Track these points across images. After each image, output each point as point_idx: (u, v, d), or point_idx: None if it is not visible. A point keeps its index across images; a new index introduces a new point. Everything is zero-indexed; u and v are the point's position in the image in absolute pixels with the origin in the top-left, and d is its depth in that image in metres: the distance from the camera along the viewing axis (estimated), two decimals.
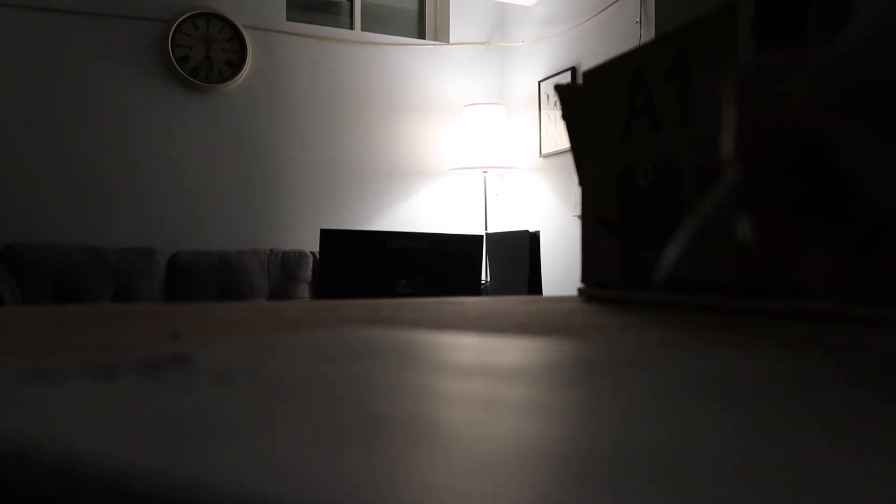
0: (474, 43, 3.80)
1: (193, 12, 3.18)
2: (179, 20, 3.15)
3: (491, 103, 3.56)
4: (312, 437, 0.13)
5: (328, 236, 1.52)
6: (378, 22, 3.69)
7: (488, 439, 0.13)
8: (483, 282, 2.98)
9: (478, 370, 0.20)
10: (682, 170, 0.53)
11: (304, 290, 3.15)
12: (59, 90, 2.99)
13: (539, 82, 3.61)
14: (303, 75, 3.41)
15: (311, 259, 3.18)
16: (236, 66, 3.25)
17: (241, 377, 0.19)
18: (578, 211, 3.15)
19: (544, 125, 3.56)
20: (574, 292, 0.84)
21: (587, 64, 3.24)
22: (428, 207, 3.65)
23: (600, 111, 0.62)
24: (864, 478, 0.11)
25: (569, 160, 3.19)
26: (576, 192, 3.19)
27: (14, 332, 0.37)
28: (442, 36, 3.78)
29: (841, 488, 0.11)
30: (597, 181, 0.63)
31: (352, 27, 3.61)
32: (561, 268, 3.36)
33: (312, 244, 3.28)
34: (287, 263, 3.14)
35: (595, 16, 3.24)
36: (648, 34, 2.89)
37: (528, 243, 1.94)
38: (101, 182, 3.05)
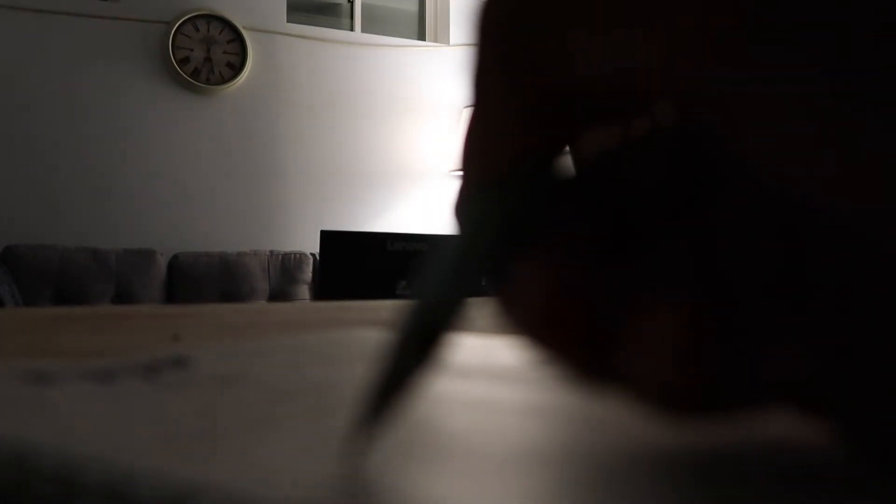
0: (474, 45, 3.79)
1: (194, 14, 3.18)
2: (180, 22, 3.15)
3: None
4: (312, 441, 0.13)
5: (328, 238, 1.52)
6: (378, 23, 3.69)
7: (488, 442, 0.13)
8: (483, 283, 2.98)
9: (478, 371, 0.20)
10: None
11: (305, 291, 3.15)
12: (58, 92, 2.99)
13: None
14: (303, 77, 3.41)
15: (311, 261, 3.18)
16: (237, 67, 3.25)
17: (241, 380, 0.19)
18: None
19: None
20: None
21: None
22: (428, 209, 3.64)
23: None
24: None
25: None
26: None
27: (14, 334, 0.37)
28: (442, 37, 3.78)
29: None
30: None
31: (352, 29, 3.61)
32: None
33: (313, 246, 3.28)
34: (287, 265, 3.14)
35: None
36: None
37: None
38: (101, 184, 3.05)
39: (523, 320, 0.12)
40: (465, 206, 0.12)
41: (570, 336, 0.12)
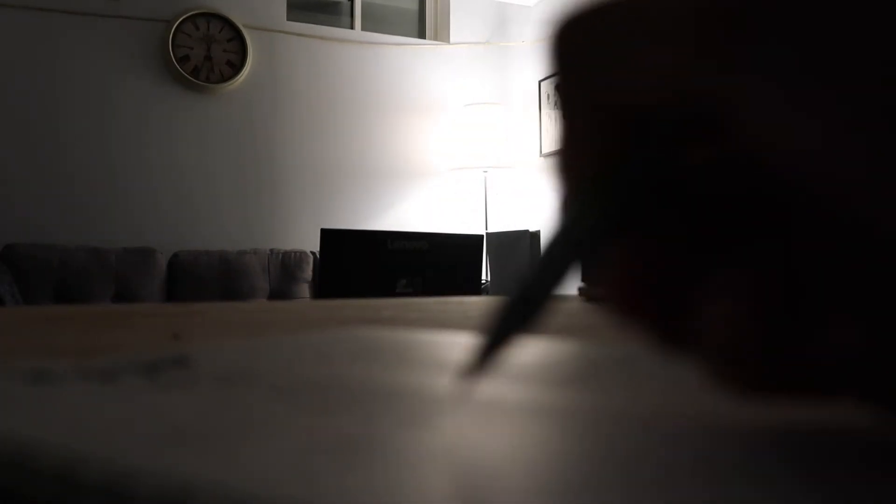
0: (474, 43, 3.79)
1: (194, 12, 3.18)
2: (180, 20, 3.15)
3: (491, 103, 3.55)
4: (312, 441, 0.13)
5: (329, 236, 1.52)
6: (378, 22, 3.69)
7: (488, 441, 0.13)
8: (484, 281, 2.98)
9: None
10: None
11: (305, 290, 3.15)
12: (59, 91, 2.99)
13: (539, 82, 3.60)
14: (303, 75, 3.41)
15: (311, 259, 3.18)
16: (237, 66, 3.25)
17: (241, 380, 0.19)
18: None
19: (544, 125, 3.55)
20: (574, 291, 0.84)
21: None
22: (428, 207, 3.64)
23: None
24: None
25: None
26: None
27: (14, 333, 0.37)
28: (442, 36, 3.78)
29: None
30: None
31: (352, 27, 3.60)
32: None
33: (313, 244, 3.27)
34: (287, 263, 3.14)
35: None
36: None
37: (528, 243, 1.94)
38: (101, 182, 3.05)
39: (615, 297, 0.14)
40: (565, 207, 0.15)
41: (652, 310, 0.14)
